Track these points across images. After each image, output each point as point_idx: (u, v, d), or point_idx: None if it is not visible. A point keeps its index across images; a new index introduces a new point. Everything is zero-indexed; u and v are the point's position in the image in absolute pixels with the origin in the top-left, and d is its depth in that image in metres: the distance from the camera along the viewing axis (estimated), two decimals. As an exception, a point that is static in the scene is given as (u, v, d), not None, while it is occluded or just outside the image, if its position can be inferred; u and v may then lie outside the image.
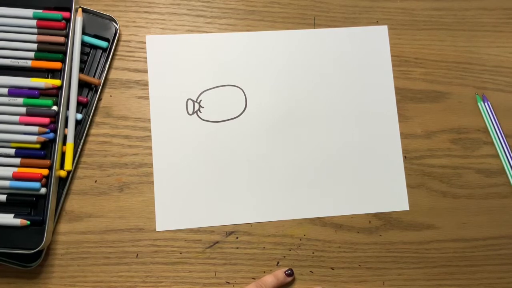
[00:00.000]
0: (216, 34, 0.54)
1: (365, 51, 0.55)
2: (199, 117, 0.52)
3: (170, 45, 0.53)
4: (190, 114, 0.52)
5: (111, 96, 0.52)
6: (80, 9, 0.51)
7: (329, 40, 0.55)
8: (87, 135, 0.51)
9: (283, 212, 0.51)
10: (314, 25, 0.55)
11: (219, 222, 0.50)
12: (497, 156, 0.54)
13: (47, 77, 0.50)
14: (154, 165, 0.51)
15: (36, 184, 0.46)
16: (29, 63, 0.49)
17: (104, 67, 0.52)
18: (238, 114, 0.53)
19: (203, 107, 0.52)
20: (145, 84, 0.52)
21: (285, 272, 0.49)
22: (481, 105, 0.55)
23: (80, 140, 0.50)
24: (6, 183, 0.47)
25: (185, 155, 0.51)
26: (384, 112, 0.54)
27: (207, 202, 0.51)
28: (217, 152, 0.52)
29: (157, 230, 0.49)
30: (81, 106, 0.51)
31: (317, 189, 0.52)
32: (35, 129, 0.48)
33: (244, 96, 0.53)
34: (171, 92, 0.52)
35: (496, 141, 0.54)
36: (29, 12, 0.50)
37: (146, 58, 0.53)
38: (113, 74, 0.53)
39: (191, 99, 0.52)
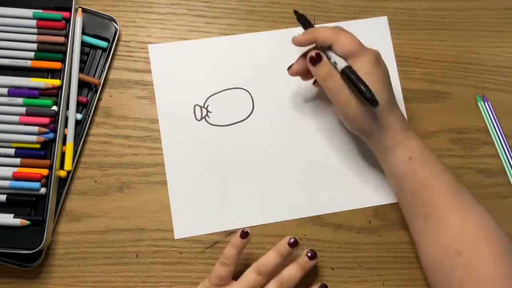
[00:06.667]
0: (216, 38, 0.54)
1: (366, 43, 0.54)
2: (208, 122, 0.52)
3: (173, 53, 0.53)
4: (199, 120, 0.52)
5: (111, 96, 0.52)
6: (80, 9, 0.51)
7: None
8: (87, 135, 0.51)
9: (283, 212, 0.51)
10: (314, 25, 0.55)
11: (232, 226, 0.50)
12: (497, 156, 0.54)
13: (47, 77, 0.50)
14: (167, 174, 0.50)
15: (36, 184, 0.46)
16: (29, 63, 0.49)
17: (104, 67, 0.52)
18: (246, 116, 0.53)
19: (211, 112, 0.52)
20: (145, 84, 0.52)
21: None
22: (481, 105, 0.55)
23: (80, 140, 0.50)
24: (6, 183, 0.47)
25: (197, 161, 0.51)
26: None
27: (219, 206, 0.50)
28: (227, 155, 0.51)
29: (175, 238, 0.49)
30: (81, 106, 0.51)
31: (319, 188, 0.51)
32: (35, 129, 0.48)
33: (250, 98, 0.53)
34: (177, 100, 0.52)
35: (496, 141, 0.54)
36: (29, 12, 0.50)
37: (146, 58, 0.53)
38: (113, 74, 0.53)
39: (198, 105, 0.52)
